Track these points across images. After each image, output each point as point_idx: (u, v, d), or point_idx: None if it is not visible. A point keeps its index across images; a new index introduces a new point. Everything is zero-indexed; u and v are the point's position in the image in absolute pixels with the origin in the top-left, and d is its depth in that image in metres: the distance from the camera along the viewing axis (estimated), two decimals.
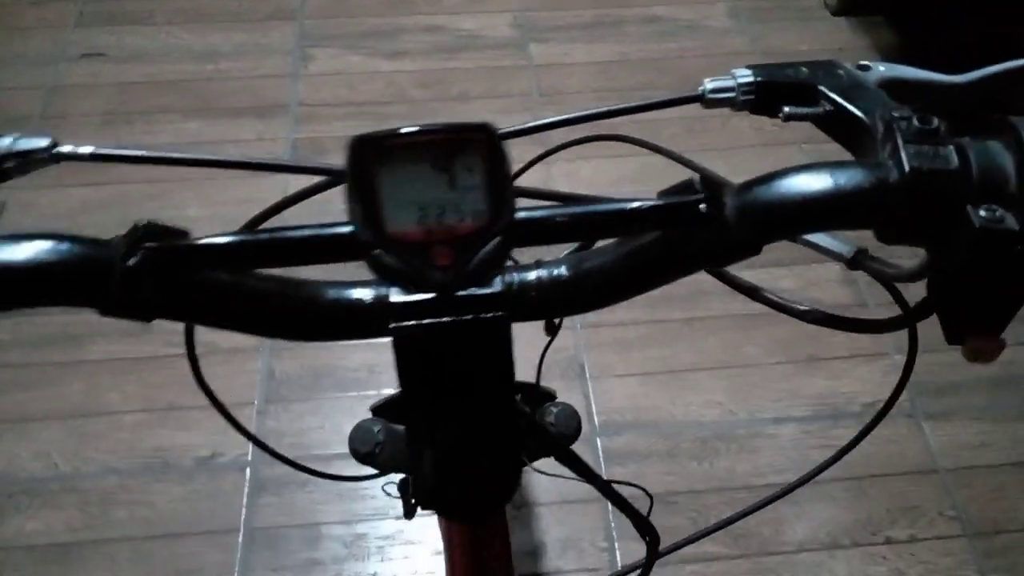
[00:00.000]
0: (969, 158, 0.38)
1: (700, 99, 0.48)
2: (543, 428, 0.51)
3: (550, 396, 0.56)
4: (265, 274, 0.41)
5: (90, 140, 0.47)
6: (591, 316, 1.55)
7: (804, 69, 0.47)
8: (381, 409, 0.54)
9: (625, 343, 1.57)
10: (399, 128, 0.36)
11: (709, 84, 0.48)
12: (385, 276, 0.39)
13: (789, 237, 0.43)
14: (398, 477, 0.65)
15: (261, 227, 0.48)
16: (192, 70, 2.06)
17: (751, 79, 0.47)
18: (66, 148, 0.45)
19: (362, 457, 0.54)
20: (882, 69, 0.47)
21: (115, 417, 1.45)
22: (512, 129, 0.46)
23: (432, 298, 0.39)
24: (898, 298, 0.52)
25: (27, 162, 0.44)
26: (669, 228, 0.40)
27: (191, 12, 2.23)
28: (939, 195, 0.38)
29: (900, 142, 0.39)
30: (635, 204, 0.39)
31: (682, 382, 1.53)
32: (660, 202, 0.39)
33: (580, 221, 0.39)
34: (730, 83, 0.48)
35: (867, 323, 0.51)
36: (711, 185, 0.39)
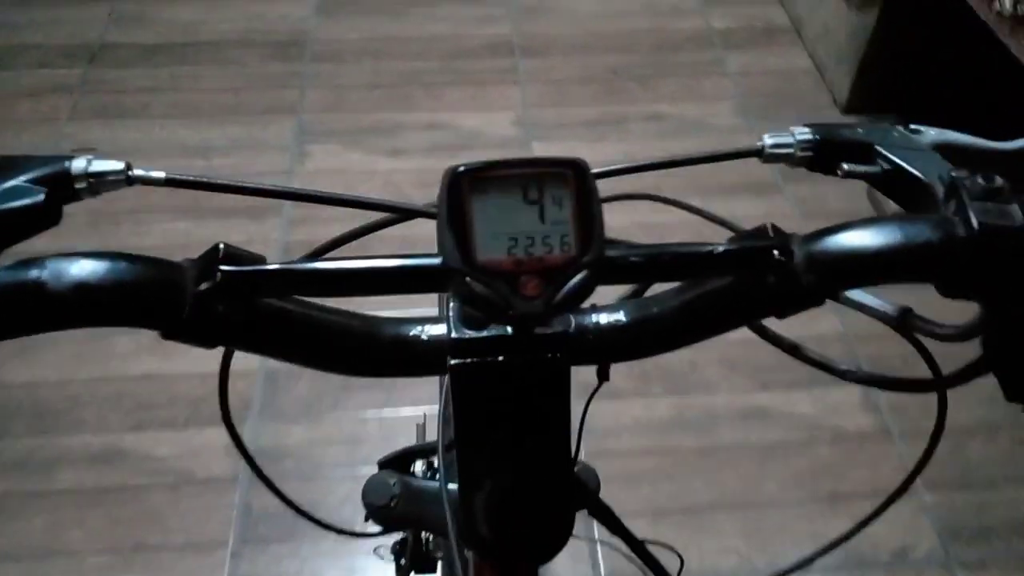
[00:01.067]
0: None
1: (759, 154, 0.49)
2: (580, 481, 0.52)
3: (593, 475, 0.56)
4: (329, 306, 0.42)
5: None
6: (595, 443, 1.44)
7: (860, 129, 0.49)
8: (391, 463, 0.53)
9: (635, 476, 1.46)
10: (495, 160, 0.37)
11: (769, 140, 0.49)
12: (474, 305, 0.38)
13: (855, 287, 0.43)
14: (391, 539, 0.64)
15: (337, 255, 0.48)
16: (184, 166, 1.99)
17: (810, 137, 0.48)
18: (139, 171, 0.45)
19: (376, 511, 0.54)
20: (933, 133, 0.49)
21: (76, 559, 1.33)
22: (601, 170, 0.47)
23: (492, 336, 0.40)
24: (931, 362, 0.51)
25: (101, 183, 0.44)
26: (742, 272, 0.40)
27: (188, 105, 2.18)
28: (1006, 250, 0.39)
29: (967, 199, 0.39)
30: (712, 247, 0.39)
31: (697, 523, 1.41)
32: (737, 246, 0.40)
33: (663, 261, 0.40)
34: (789, 140, 0.48)
35: (914, 383, 0.51)
36: (781, 233, 0.40)
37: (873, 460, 1.50)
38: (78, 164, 0.43)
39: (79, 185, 0.43)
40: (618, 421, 1.54)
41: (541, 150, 2.08)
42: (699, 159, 0.51)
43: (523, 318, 0.38)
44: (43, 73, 2.25)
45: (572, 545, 0.47)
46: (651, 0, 2.57)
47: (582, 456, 0.57)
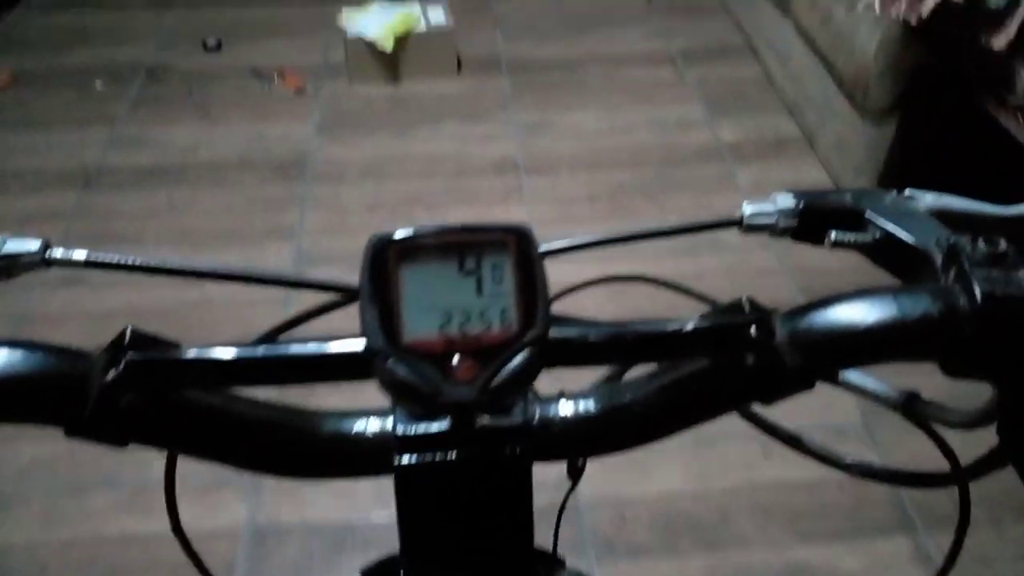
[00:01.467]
0: None
1: (739, 224, 0.46)
2: None
3: (560, 563, 0.52)
4: (258, 399, 0.38)
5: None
6: None
7: (848, 196, 0.46)
8: (373, 572, 0.50)
9: None
10: (423, 227, 0.34)
11: (748, 209, 0.46)
12: (398, 393, 0.35)
13: (847, 367, 0.40)
14: None
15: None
16: (175, 297, 1.89)
17: (793, 204, 0.45)
18: (58, 252, 0.42)
19: None
20: (929, 198, 0.46)
21: None
22: (550, 248, 0.43)
23: (442, 431, 0.36)
24: (946, 450, 0.47)
25: (15, 265, 0.41)
26: (715, 353, 0.37)
27: (183, 230, 2.10)
28: (1015, 322, 0.35)
29: (968, 266, 0.36)
30: (679, 325, 0.36)
31: None
32: (707, 324, 0.36)
33: (620, 341, 0.36)
34: (770, 208, 0.45)
35: (924, 477, 0.47)
36: (760, 309, 0.37)
37: None
38: None
39: None
40: None
41: (549, 270, 1.99)
42: (671, 231, 0.48)
43: (454, 407, 0.35)
44: (36, 199, 2.19)
45: None
46: (657, 114, 2.53)
47: None
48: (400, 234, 0.34)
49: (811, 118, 2.35)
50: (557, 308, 0.40)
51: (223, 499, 1.45)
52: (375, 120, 2.50)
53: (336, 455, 0.38)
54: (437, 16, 2.64)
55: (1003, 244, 0.37)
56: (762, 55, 2.67)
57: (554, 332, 0.35)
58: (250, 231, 2.11)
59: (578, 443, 0.39)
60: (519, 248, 0.35)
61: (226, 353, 0.35)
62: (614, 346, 0.37)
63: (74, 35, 2.87)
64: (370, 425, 0.38)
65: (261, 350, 0.35)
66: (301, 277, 0.47)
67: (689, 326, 0.36)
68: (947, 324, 0.35)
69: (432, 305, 0.34)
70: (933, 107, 1.88)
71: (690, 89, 2.64)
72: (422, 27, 2.59)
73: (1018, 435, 0.40)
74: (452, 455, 0.36)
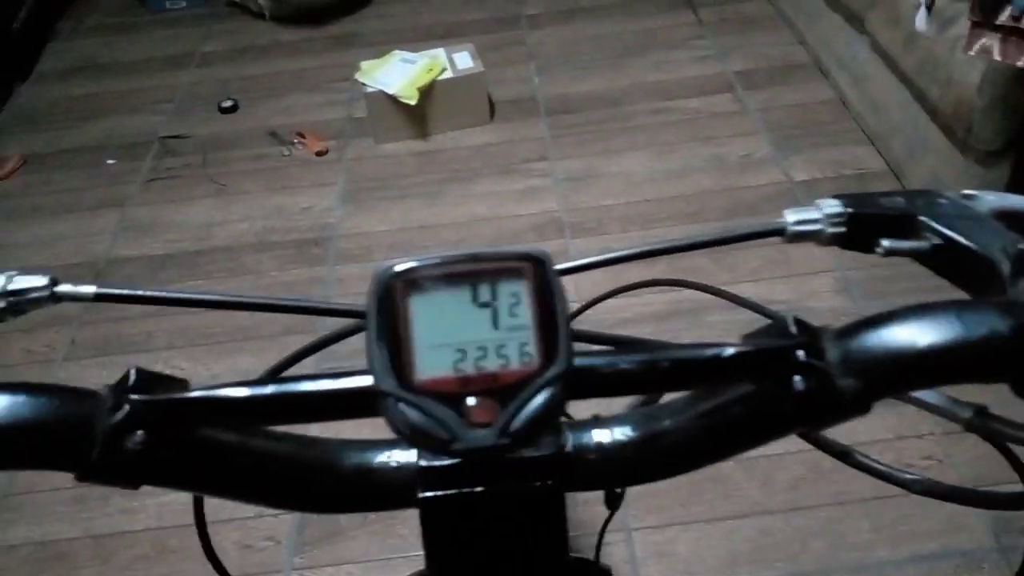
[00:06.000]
0: None
1: (782, 232, 0.43)
2: None
3: (607, 574, 0.49)
4: (275, 431, 0.38)
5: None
6: None
7: (900, 199, 0.43)
8: None
9: None
10: (432, 256, 0.33)
11: (791, 216, 0.43)
12: (410, 440, 0.33)
13: (906, 391, 0.37)
14: None
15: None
16: None
17: (840, 210, 0.42)
18: (66, 287, 0.42)
19: None
20: (991, 198, 0.43)
21: None
22: (571, 265, 0.42)
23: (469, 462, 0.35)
24: (1018, 467, 0.45)
25: (24, 301, 0.41)
26: (758, 379, 0.35)
27: (195, 331, 1.90)
28: None
29: None
30: (717, 350, 0.34)
31: None
32: (748, 348, 0.34)
33: (651, 369, 0.34)
34: (816, 215, 0.42)
35: (992, 497, 0.44)
36: (807, 328, 0.34)
37: None
38: None
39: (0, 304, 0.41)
40: None
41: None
42: (715, 242, 0.45)
43: (473, 453, 0.32)
44: None
45: None
46: (716, 152, 2.24)
47: None
48: (408, 264, 0.33)
49: (898, 151, 2.03)
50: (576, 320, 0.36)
51: None
52: (403, 182, 2.27)
53: (359, 489, 0.37)
54: (464, 60, 2.39)
55: None
56: (833, 76, 2.35)
57: (579, 361, 0.33)
58: (268, 326, 1.89)
59: (614, 472, 0.37)
60: (536, 276, 0.33)
61: (233, 392, 0.34)
62: (647, 374, 0.34)
63: (87, 105, 2.71)
64: (393, 456, 0.37)
65: (269, 389, 0.34)
66: (315, 303, 0.46)
67: (729, 351, 0.33)
68: (1018, 341, 0.32)
69: (445, 341, 0.33)
70: None
71: (753, 119, 2.34)
72: (448, 73, 2.35)
73: None
74: (478, 489, 0.35)
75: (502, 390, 0.32)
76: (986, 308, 0.33)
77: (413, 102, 2.30)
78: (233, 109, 2.61)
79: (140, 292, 0.43)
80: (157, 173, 2.41)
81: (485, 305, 0.33)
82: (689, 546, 1.36)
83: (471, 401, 0.32)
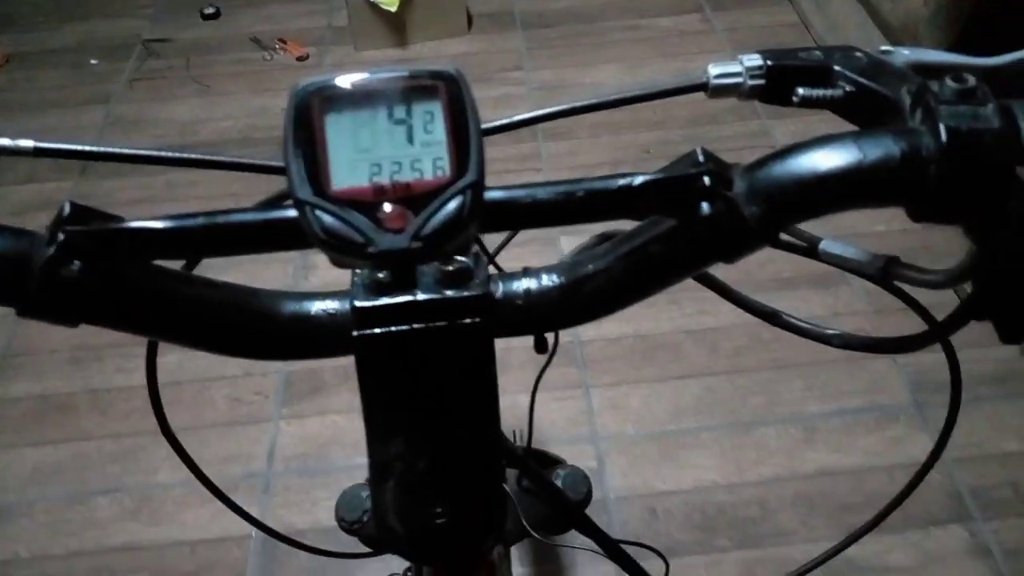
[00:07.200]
0: (1015, 117, 0.34)
1: (704, 87, 0.44)
2: (556, 490, 0.51)
3: (557, 461, 0.53)
4: (216, 280, 0.38)
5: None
6: None
7: (818, 52, 0.43)
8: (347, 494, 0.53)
9: None
10: (349, 74, 0.34)
11: (713, 70, 0.43)
12: (328, 245, 0.33)
13: (809, 217, 0.36)
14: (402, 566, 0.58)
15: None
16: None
17: (760, 63, 0.43)
18: (5, 141, 0.43)
19: (349, 526, 0.54)
20: (907, 52, 0.43)
21: None
22: (499, 123, 0.44)
23: (400, 303, 0.36)
24: (922, 312, 0.48)
25: None
26: (668, 208, 0.36)
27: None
28: (982, 159, 0.33)
29: (933, 104, 0.34)
30: (628, 179, 0.35)
31: None
32: (657, 176, 0.35)
33: (567, 200, 0.35)
34: (737, 68, 0.43)
35: (903, 341, 0.46)
36: (715, 159, 0.35)
37: None
38: None
39: None
40: None
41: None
42: (637, 98, 0.46)
43: (386, 255, 0.33)
44: (31, 188, 2.09)
45: None
46: (684, 68, 2.35)
47: None
48: (324, 82, 0.33)
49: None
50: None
51: None
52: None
53: (296, 335, 0.38)
54: None
55: (971, 80, 0.34)
56: (797, 0, 2.46)
57: (496, 193, 0.34)
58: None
59: (540, 316, 0.39)
60: (450, 94, 0.34)
61: (164, 223, 0.34)
62: (562, 205, 0.35)
63: (69, 7, 2.74)
64: (329, 304, 0.38)
65: (199, 220, 0.34)
66: (239, 160, 0.47)
67: (640, 179, 0.35)
68: (911, 165, 0.34)
69: (361, 155, 0.33)
70: None
71: (719, 38, 2.45)
72: None
73: (991, 283, 0.38)
74: (410, 326, 0.36)
75: (416, 199, 0.33)
76: (883, 135, 0.34)
77: (393, 9, 2.37)
78: (215, 16, 2.66)
79: (77, 147, 0.44)
80: (141, 74, 2.47)
81: (400, 122, 0.33)
82: (640, 400, 1.51)
83: (386, 208, 0.33)
